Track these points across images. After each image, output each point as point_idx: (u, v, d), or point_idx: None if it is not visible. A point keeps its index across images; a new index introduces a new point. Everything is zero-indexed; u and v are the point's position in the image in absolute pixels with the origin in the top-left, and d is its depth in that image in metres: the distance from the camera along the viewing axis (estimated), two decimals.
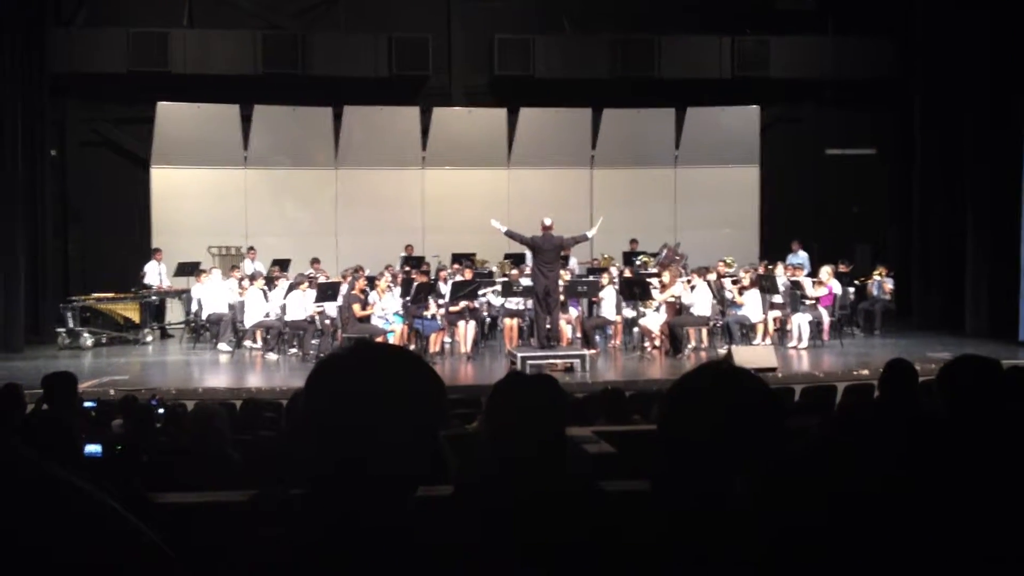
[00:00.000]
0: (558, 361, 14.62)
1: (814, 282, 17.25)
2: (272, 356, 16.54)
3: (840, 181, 23.00)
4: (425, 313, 16.37)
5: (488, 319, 17.91)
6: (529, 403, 2.81)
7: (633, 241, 20.84)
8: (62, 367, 9.78)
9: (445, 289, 16.91)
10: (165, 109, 21.07)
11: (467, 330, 16.43)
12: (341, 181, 22.07)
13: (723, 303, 16.87)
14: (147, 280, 19.35)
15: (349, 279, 16.61)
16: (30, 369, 14.12)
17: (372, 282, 16.68)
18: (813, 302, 16.98)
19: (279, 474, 4.11)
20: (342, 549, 1.63)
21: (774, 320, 16.96)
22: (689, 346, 16.29)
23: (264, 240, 20.86)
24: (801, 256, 20.50)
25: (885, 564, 2.09)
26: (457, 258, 19.18)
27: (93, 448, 5.29)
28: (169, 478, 5.25)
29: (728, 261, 18.54)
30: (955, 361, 3.64)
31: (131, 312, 18.50)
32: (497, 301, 17.50)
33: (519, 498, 2.57)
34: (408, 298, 16.26)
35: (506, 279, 17.33)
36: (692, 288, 16.23)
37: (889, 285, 19.22)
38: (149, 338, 18.49)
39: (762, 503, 1.99)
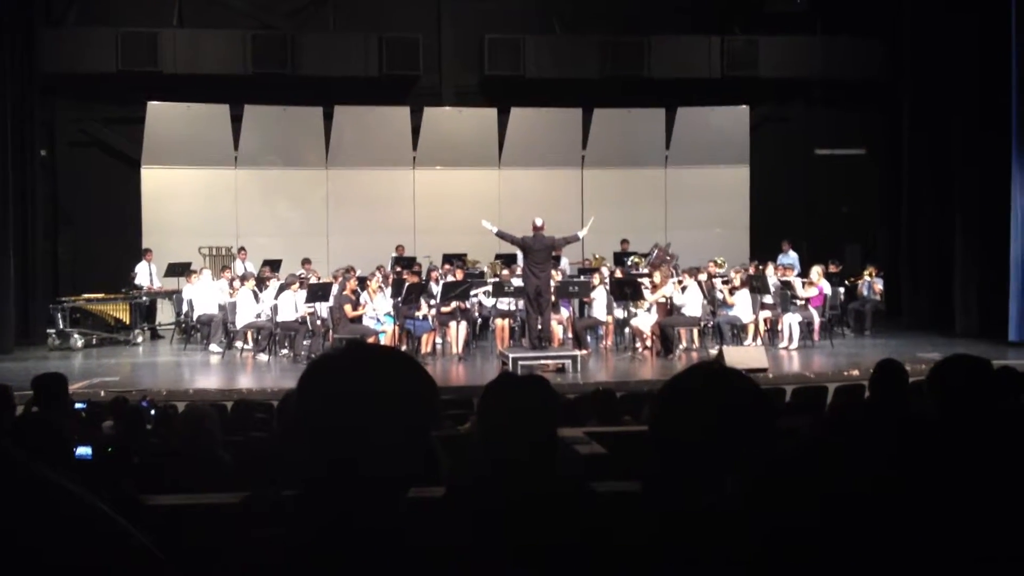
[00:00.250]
0: (549, 362, 14.62)
1: (804, 282, 17.29)
2: (263, 357, 16.52)
3: (830, 181, 23.03)
4: (416, 314, 16.36)
5: (479, 320, 17.91)
6: (521, 404, 2.81)
7: (624, 241, 20.85)
8: (52, 368, 9.74)
9: (436, 289, 16.90)
10: (155, 109, 21.02)
11: (458, 331, 16.43)
12: (332, 181, 22.05)
13: (714, 303, 16.90)
14: (137, 281, 19.31)
15: (340, 279, 16.59)
16: (20, 370, 14.08)
17: (363, 283, 16.66)
18: (803, 302, 17.02)
19: (271, 475, 4.11)
20: (335, 550, 1.63)
21: (765, 320, 16.99)
22: (680, 347, 16.30)
23: (255, 240, 20.83)
24: (791, 256, 20.52)
25: (876, 564, 2.09)
26: (448, 258, 19.17)
27: (84, 450, 5.28)
28: (160, 480, 5.24)
29: (719, 261, 18.56)
30: (946, 361, 3.64)
31: (121, 313, 18.47)
32: (488, 302, 17.49)
33: (511, 499, 2.57)
34: (399, 298, 16.24)
35: (497, 280, 17.33)
36: (683, 288, 16.24)
37: (879, 285, 19.25)
38: (139, 339, 18.46)
39: (753, 503, 1.99)
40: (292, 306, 16.42)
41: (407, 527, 1.69)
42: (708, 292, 16.76)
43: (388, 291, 16.63)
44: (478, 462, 2.84)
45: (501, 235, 15.33)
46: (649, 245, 18.97)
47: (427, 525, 1.75)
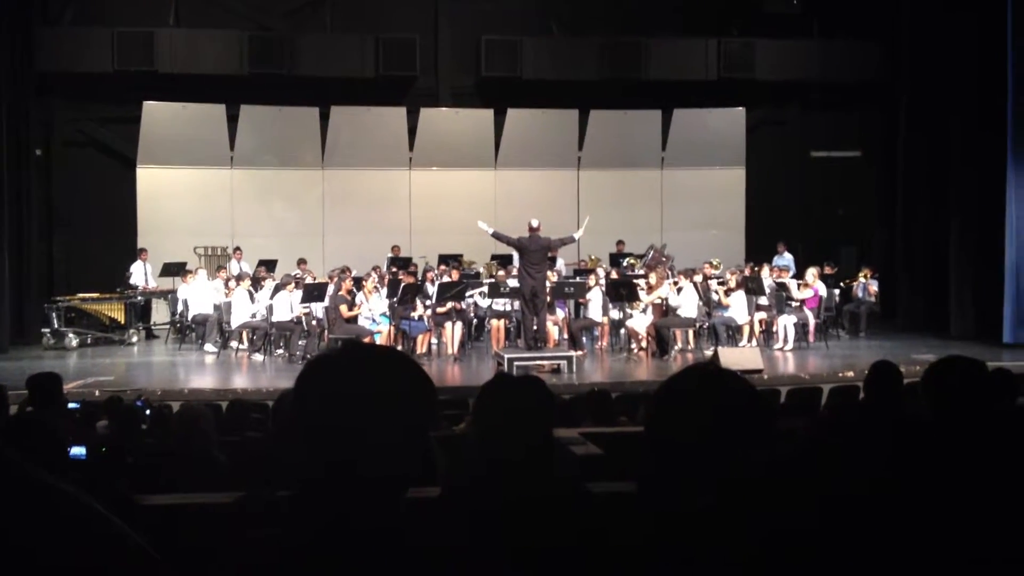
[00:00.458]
0: (545, 362, 14.63)
1: (800, 284, 17.29)
2: (258, 357, 16.51)
3: (825, 183, 23.06)
4: (412, 314, 16.36)
5: (475, 320, 17.91)
6: (516, 405, 2.81)
7: (620, 243, 20.85)
8: (47, 368, 9.73)
9: (432, 290, 16.90)
10: (151, 109, 21.01)
11: (454, 331, 16.42)
12: (328, 181, 22.04)
13: (709, 305, 16.90)
14: (132, 280, 19.29)
15: (336, 280, 16.59)
16: (14, 370, 14.07)
17: (359, 283, 16.67)
18: (799, 304, 17.03)
19: (266, 476, 4.10)
20: (332, 551, 1.62)
21: (760, 322, 17.00)
22: (675, 348, 16.31)
23: (250, 240, 20.82)
24: (787, 258, 20.54)
25: (872, 566, 2.09)
26: (444, 259, 19.17)
27: (78, 450, 5.26)
28: (155, 480, 5.24)
29: (714, 263, 18.57)
30: (940, 362, 3.65)
31: (116, 312, 18.45)
32: (484, 302, 17.49)
33: (507, 500, 2.57)
34: (395, 299, 16.24)
35: (493, 280, 17.32)
36: (678, 290, 16.26)
37: (874, 287, 19.28)
38: (134, 339, 18.44)
39: (749, 504, 1.99)
40: (288, 306, 16.41)
41: (405, 528, 1.69)
42: (704, 293, 16.77)
43: (384, 291, 16.62)
44: (474, 462, 2.84)
45: (497, 236, 15.34)
46: (645, 246, 18.99)
47: (423, 525, 1.75)
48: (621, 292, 16.35)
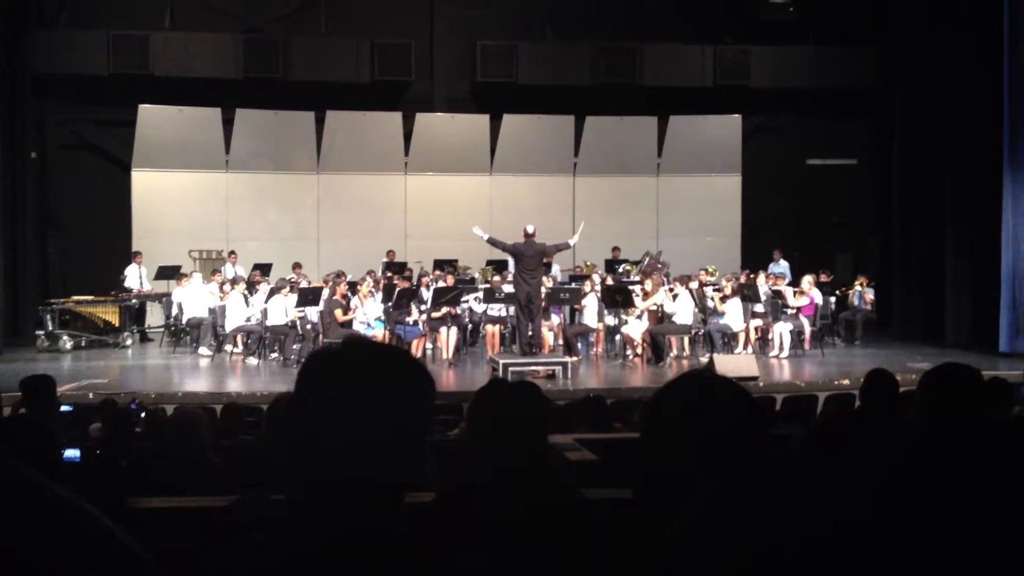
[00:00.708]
0: (540, 368, 14.61)
1: (795, 291, 17.30)
2: (253, 361, 16.48)
3: (821, 191, 23.08)
4: (407, 319, 16.36)
5: (470, 325, 17.90)
6: (511, 410, 2.81)
7: (615, 249, 20.86)
8: (41, 370, 9.70)
9: (427, 295, 16.89)
10: (146, 112, 20.99)
11: (449, 336, 16.41)
12: (323, 186, 22.03)
13: (705, 311, 16.91)
14: (127, 283, 19.26)
15: (331, 284, 16.58)
16: (8, 372, 14.03)
17: (354, 287, 16.66)
18: (795, 311, 17.03)
19: (260, 479, 4.09)
20: (328, 555, 1.61)
21: (755, 329, 17.00)
22: (671, 354, 16.31)
23: (245, 244, 20.80)
24: (782, 265, 20.54)
25: (868, 574, 2.09)
26: (439, 264, 19.17)
27: (72, 452, 5.26)
28: (149, 482, 5.22)
29: (710, 270, 18.58)
30: (936, 369, 3.64)
31: (111, 315, 18.41)
32: (479, 307, 17.49)
33: (501, 505, 2.56)
34: (390, 304, 16.23)
35: (488, 286, 17.32)
36: (674, 296, 16.26)
37: (870, 295, 19.28)
38: (129, 341, 18.40)
39: (746, 512, 1.99)
40: (282, 310, 16.39)
41: (403, 532, 1.67)
42: (699, 300, 16.78)
43: (379, 296, 16.61)
44: (468, 468, 2.83)
45: (492, 242, 15.33)
46: (640, 253, 19.01)
47: (416, 530, 1.74)
48: (617, 298, 16.35)
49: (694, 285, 16.99)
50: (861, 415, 5.59)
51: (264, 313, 16.67)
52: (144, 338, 19.40)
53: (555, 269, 19.20)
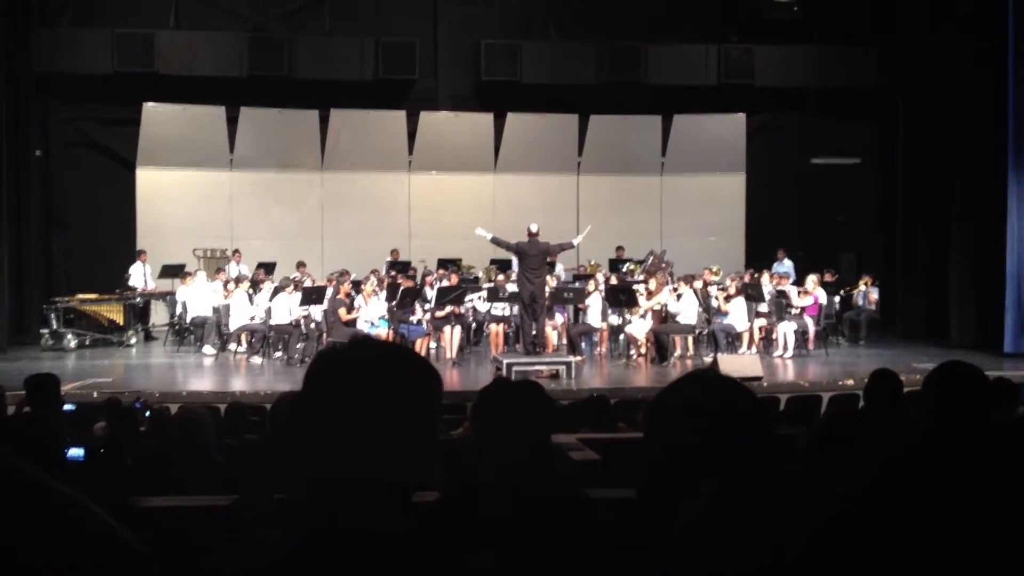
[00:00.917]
0: (544, 367, 14.61)
1: (800, 291, 17.27)
2: (257, 360, 16.49)
3: (825, 190, 23.05)
4: (411, 318, 16.36)
5: (474, 325, 17.90)
6: (515, 409, 2.81)
7: (619, 248, 20.85)
8: (45, 368, 9.71)
9: (431, 294, 16.88)
10: (151, 110, 21.01)
11: (452, 335, 16.41)
12: (327, 184, 22.05)
13: (709, 311, 16.89)
14: (131, 282, 19.27)
15: (334, 283, 16.58)
16: (13, 370, 14.04)
17: (358, 286, 16.66)
18: (799, 311, 17.01)
19: (264, 478, 4.09)
20: (333, 554, 1.61)
21: (759, 329, 16.98)
22: (675, 354, 16.30)
23: (249, 243, 20.82)
24: (786, 265, 20.53)
25: (871, 573, 2.08)
26: (443, 263, 19.17)
27: (76, 451, 5.26)
28: (153, 481, 5.22)
29: (714, 269, 18.56)
30: (941, 367, 3.63)
31: (115, 314, 18.43)
32: (483, 307, 17.49)
33: (505, 504, 2.56)
34: (394, 303, 16.23)
35: (492, 285, 17.32)
36: (678, 296, 16.25)
37: (874, 295, 19.26)
38: (133, 340, 18.42)
39: (750, 510, 1.98)
40: (286, 309, 16.40)
41: (408, 532, 1.67)
42: (703, 300, 16.76)
43: (383, 295, 16.62)
44: (472, 467, 2.83)
45: (496, 241, 15.32)
46: (644, 252, 18.99)
47: (421, 529, 1.74)
48: (620, 298, 16.35)
49: (698, 284, 16.97)
50: (865, 415, 5.59)
51: (268, 312, 16.68)
52: (148, 337, 19.42)
53: (559, 268, 19.20)
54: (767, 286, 17.29)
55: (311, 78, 21.04)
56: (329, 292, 16.28)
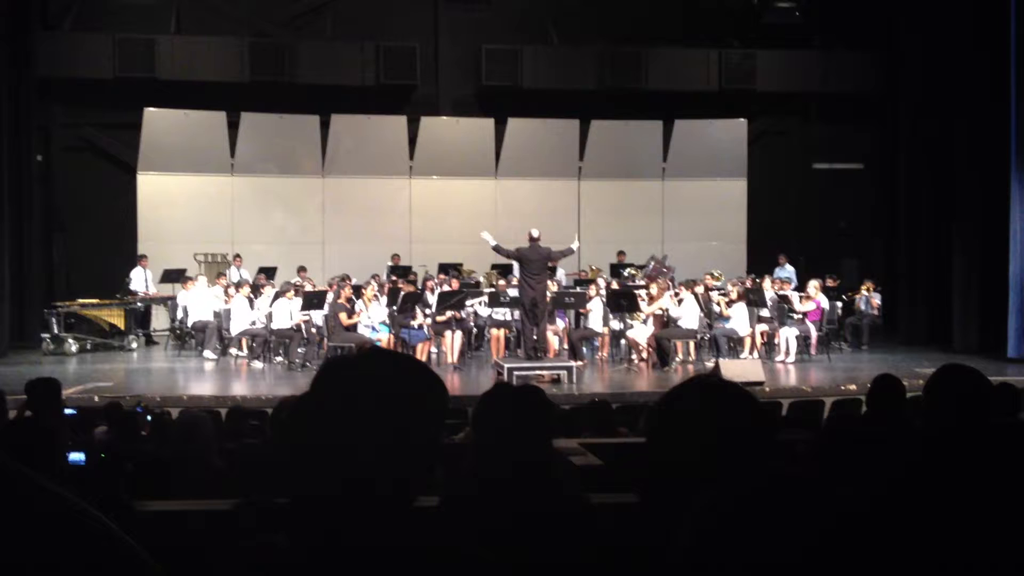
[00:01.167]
0: (545, 372, 14.60)
1: (801, 296, 17.26)
2: (258, 364, 16.49)
3: (827, 195, 23.07)
4: (412, 323, 16.35)
5: (475, 329, 17.89)
6: (516, 414, 2.80)
7: (621, 253, 20.85)
8: (46, 373, 9.70)
9: (432, 299, 16.88)
10: (152, 115, 21.02)
11: (454, 340, 16.40)
12: (328, 189, 22.04)
13: (710, 316, 16.88)
14: (132, 286, 19.27)
15: (335, 288, 16.58)
16: (13, 375, 14.03)
17: (359, 291, 16.66)
18: (801, 316, 17.00)
19: (264, 483, 4.08)
20: (334, 560, 1.60)
21: (761, 334, 16.97)
22: (676, 359, 16.29)
23: (250, 248, 20.81)
24: (788, 270, 20.53)
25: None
26: (444, 268, 19.16)
27: (77, 456, 5.25)
28: (154, 486, 5.22)
29: (715, 274, 18.55)
30: (942, 370, 3.63)
31: (116, 318, 18.43)
32: (484, 312, 17.49)
33: (506, 509, 2.55)
34: (394, 307, 16.23)
35: (493, 290, 17.31)
36: (679, 301, 16.23)
37: (876, 300, 19.24)
38: (134, 345, 18.42)
39: (753, 515, 1.98)
40: (287, 314, 16.40)
41: (409, 538, 1.66)
42: (705, 305, 16.75)
43: (384, 300, 16.61)
44: (474, 472, 2.83)
45: (497, 249, 15.29)
46: (646, 257, 18.99)
47: (422, 534, 1.73)
48: (621, 303, 16.34)
49: (699, 289, 16.96)
50: (868, 420, 5.58)
51: (269, 317, 16.69)
52: (149, 341, 19.42)
53: (560, 273, 19.20)
54: (769, 291, 17.28)
55: (312, 83, 21.06)
56: (330, 297, 16.28)
